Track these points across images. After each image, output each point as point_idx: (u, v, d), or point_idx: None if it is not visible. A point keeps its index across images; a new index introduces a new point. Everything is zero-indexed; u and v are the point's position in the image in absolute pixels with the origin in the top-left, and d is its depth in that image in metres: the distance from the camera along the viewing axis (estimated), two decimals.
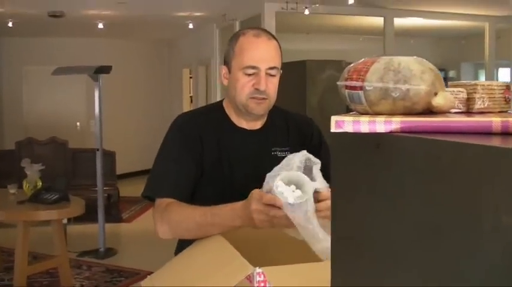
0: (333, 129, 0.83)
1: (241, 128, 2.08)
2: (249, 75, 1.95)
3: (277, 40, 2.02)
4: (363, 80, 0.86)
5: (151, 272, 5.67)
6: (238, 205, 1.71)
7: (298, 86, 6.13)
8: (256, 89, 1.95)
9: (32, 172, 5.62)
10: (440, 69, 11.38)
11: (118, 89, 10.84)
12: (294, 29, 8.76)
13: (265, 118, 2.10)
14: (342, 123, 0.82)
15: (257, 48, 1.96)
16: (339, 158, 0.88)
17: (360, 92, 0.86)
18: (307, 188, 1.61)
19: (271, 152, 2.06)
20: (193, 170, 1.98)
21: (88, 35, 10.69)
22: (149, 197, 2.02)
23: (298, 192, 1.60)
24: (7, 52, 11.33)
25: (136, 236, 7.56)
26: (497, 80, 8.94)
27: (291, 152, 2.00)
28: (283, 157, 1.99)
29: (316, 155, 2.03)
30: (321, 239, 1.52)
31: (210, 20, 8.99)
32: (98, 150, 6.62)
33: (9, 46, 11.27)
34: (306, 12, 6.98)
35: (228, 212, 1.73)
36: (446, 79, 11.64)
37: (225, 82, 2.07)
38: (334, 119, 0.82)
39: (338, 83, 0.91)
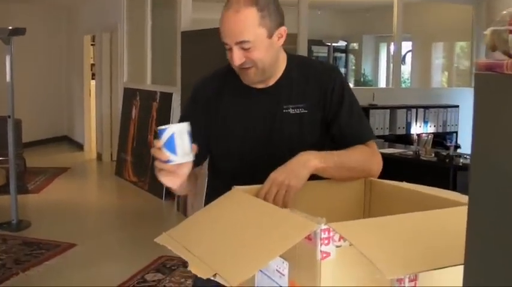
0: None
1: (251, 87, 2.03)
2: (228, 49, 1.93)
3: (256, 5, 1.88)
4: None
5: (73, 244, 5.47)
6: None
7: (221, 53, 6.02)
8: None
9: None
10: (343, 41, 11.70)
11: (17, 54, 10.31)
12: None
13: (280, 73, 2.04)
14: None
15: (224, 22, 1.90)
16: None
17: None
18: None
19: (282, 109, 2.01)
20: (202, 132, 1.98)
21: None
22: None
23: None
24: None
25: (47, 207, 7.29)
26: (401, 53, 9.21)
27: (306, 109, 1.99)
28: (297, 114, 1.99)
29: (335, 113, 2.03)
30: None
31: None
32: (9, 117, 6.29)
33: None
34: None
35: None
36: (347, 51, 11.92)
37: None
38: None
39: (492, 28, 0.89)
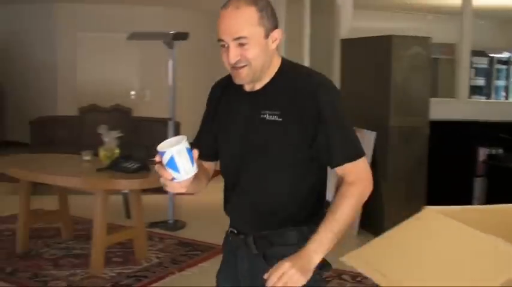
0: None
1: (241, 90, 2.11)
2: (224, 47, 1.99)
3: (255, 5, 1.96)
4: None
5: None
6: None
7: (382, 62, 5.87)
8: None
9: (110, 139, 5.49)
10: (507, 52, 11.13)
11: (178, 59, 10.68)
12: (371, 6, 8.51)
13: (269, 78, 2.07)
14: None
15: (222, 20, 1.97)
16: None
17: None
18: None
19: (260, 114, 2.04)
20: (210, 130, 2.20)
21: (144, 2, 10.52)
22: None
23: None
24: (61, 18, 11.20)
25: (201, 209, 7.41)
26: None
27: (281, 117, 1.99)
28: (272, 121, 2.00)
29: (314, 127, 2.00)
30: None
31: None
32: (170, 120, 6.47)
33: (62, 12, 11.13)
34: None
35: None
36: (508, 63, 11.34)
37: None
38: None
39: None
